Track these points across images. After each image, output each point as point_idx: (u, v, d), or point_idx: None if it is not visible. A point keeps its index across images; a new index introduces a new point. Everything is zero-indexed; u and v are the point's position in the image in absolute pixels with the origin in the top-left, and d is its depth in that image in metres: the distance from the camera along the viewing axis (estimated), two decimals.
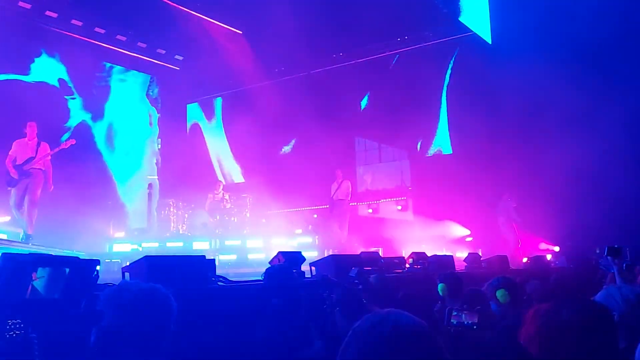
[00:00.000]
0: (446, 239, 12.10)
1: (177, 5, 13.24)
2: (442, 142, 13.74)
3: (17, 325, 1.98)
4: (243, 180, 16.05)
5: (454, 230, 12.37)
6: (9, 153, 8.63)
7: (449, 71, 13.58)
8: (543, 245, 11.69)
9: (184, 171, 14.56)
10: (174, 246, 11.46)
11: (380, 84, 14.17)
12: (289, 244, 10.80)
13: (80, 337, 2.05)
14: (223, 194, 12.93)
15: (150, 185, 13.78)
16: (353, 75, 14.49)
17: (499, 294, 3.77)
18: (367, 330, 1.39)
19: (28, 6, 12.60)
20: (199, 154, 16.82)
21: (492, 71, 11.29)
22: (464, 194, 11.67)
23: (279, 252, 5.61)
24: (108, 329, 2.01)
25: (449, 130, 13.59)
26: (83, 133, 14.06)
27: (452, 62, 13.50)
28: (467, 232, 12.44)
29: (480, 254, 9.08)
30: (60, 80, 13.91)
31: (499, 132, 11.61)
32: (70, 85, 14.18)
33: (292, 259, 5.65)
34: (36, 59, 13.42)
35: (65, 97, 14.08)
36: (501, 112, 11.40)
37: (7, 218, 10.25)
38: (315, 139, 13.16)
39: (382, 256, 7.20)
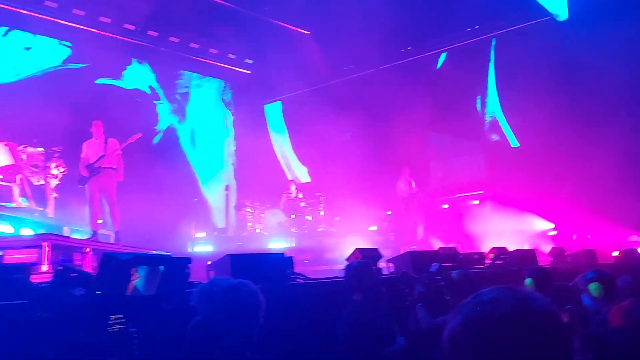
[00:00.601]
0: (527, 233, 11.62)
1: (244, 10, 13.58)
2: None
3: (119, 321, 2.12)
4: (310, 180, 16.15)
5: (535, 224, 11.85)
6: (81, 156, 8.52)
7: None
8: (634, 237, 10.97)
9: (258, 172, 14.89)
10: (252, 244, 11.74)
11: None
12: (364, 241, 10.78)
13: (175, 331, 2.14)
14: (297, 192, 13.11)
15: (227, 187, 14.21)
16: (422, 68, 14.24)
17: (592, 287, 3.59)
18: (485, 312, 1.18)
19: (132, 27, 13.65)
20: (271, 155, 17.14)
21: (569, 51, 10.66)
22: (544, 186, 11.17)
23: (356, 249, 5.62)
24: (202, 324, 2.09)
25: (512, 119, 13.07)
26: (171, 135, 15.10)
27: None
28: (550, 225, 11.89)
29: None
30: (150, 87, 14.88)
31: (581, 117, 10.98)
32: (159, 91, 15.10)
33: (369, 255, 5.63)
34: (128, 67, 14.43)
35: (154, 102, 15.01)
36: (581, 95, 10.79)
37: (100, 221, 10.88)
38: (386, 134, 13.05)
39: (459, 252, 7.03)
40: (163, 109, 15.21)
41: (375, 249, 5.95)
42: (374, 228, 12.29)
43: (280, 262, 5.27)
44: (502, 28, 13.24)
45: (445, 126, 13.94)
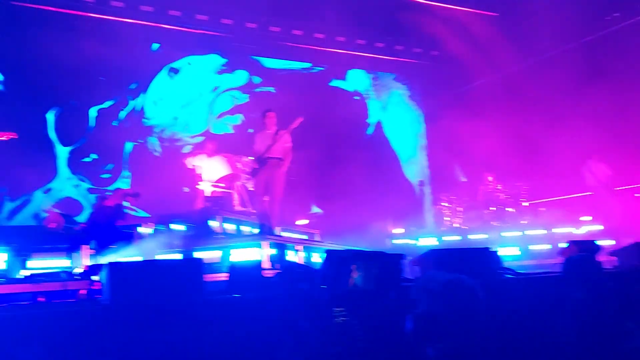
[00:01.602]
0: None
1: (425, 2, 13.45)
2: None
3: (342, 313, 2.28)
4: None
5: None
6: (253, 148, 8.39)
7: None
8: None
9: (451, 165, 14.61)
10: (451, 240, 11.56)
11: None
12: (576, 233, 9.88)
13: (393, 323, 2.23)
14: (495, 184, 12.55)
15: (421, 182, 14.20)
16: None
17: None
18: None
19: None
20: (463, 146, 16.67)
21: None
22: None
23: (571, 241, 5.19)
24: (422, 316, 2.14)
25: None
26: (378, 132, 16.02)
27: None
28: None
29: None
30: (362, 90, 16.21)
31: None
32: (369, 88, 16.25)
33: (586, 248, 5.17)
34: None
35: (366, 100, 16.17)
36: None
37: (306, 221, 11.75)
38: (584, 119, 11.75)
39: None
40: (373, 104, 16.14)
41: (592, 240, 5.44)
42: (588, 218, 11.16)
43: (486, 257, 5.11)
44: None
45: None
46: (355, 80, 15.97)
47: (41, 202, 11.65)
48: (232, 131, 14.04)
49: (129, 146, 12.96)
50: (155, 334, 3.10)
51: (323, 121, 12.71)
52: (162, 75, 13.66)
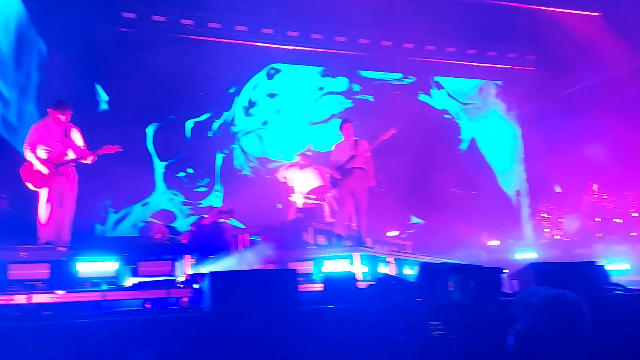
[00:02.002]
0: None
1: (521, 5, 12.98)
2: None
3: (439, 327, 2.24)
4: None
5: None
6: (331, 159, 8.28)
7: None
8: None
9: (551, 174, 13.90)
10: (552, 253, 10.97)
11: None
12: None
13: (493, 339, 2.16)
14: (600, 193, 11.78)
15: (518, 192, 13.66)
16: None
17: None
18: None
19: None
20: (564, 155, 15.81)
21: None
22: None
23: None
24: (524, 333, 2.06)
25: None
26: (473, 147, 15.65)
27: None
28: None
29: None
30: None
31: None
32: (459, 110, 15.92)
33: None
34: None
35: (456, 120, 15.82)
36: None
37: (396, 232, 11.66)
38: None
39: None
40: (464, 123, 15.82)
41: None
42: None
43: (592, 271, 4.83)
44: None
45: None
46: (443, 99, 15.66)
47: (140, 215, 12.51)
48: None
49: (219, 158, 13.55)
50: (253, 341, 3.21)
51: (415, 133, 12.60)
52: (261, 76, 14.22)
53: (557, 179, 13.58)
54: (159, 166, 13.04)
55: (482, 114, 15.89)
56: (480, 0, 13.02)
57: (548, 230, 12.23)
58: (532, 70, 15.95)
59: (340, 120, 8.88)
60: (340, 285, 3.42)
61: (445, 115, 15.52)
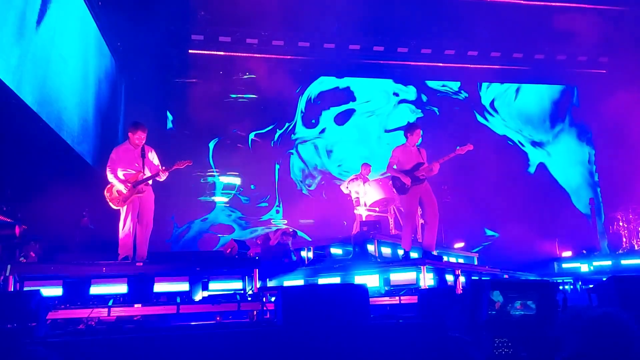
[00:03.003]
0: None
1: (591, 6, 12.54)
2: None
3: (505, 344, 2.21)
4: None
5: None
6: (391, 161, 7.80)
7: None
8: None
9: (626, 180, 13.21)
10: (630, 263, 10.41)
11: None
12: None
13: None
14: None
15: (591, 200, 13.08)
16: None
17: None
18: None
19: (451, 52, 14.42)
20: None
21: None
22: None
23: None
24: (570, 356, 2.00)
25: None
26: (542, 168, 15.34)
27: None
28: None
29: None
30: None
31: None
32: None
33: None
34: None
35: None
36: None
37: (461, 244, 11.44)
38: None
39: None
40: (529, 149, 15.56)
41: None
42: None
43: None
44: None
45: None
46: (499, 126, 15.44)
47: (198, 229, 12.95)
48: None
49: (277, 169, 13.89)
50: (325, 355, 3.29)
51: (480, 152, 12.24)
52: (323, 87, 14.56)
53: (632, 187, 12.91)
54: (220, 183, 13.49)
55: (549, 143, 15.53)
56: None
57: (626, 239, 11.60)
58: (604, 73, 15.34)
59: (409, 122, 8.76)
60: (437, 299, 3.40)
61: (508, 142, 15.35)
